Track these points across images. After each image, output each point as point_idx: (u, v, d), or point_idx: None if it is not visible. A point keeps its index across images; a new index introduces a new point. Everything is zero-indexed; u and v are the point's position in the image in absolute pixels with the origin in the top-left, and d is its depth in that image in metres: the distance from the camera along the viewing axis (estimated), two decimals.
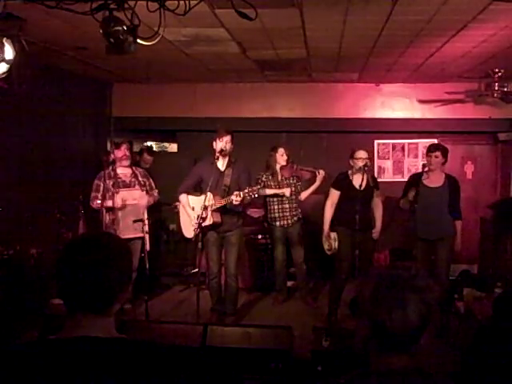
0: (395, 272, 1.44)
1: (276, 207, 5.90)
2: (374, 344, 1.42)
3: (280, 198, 5.88)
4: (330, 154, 7.14)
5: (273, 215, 5.94)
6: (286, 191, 5.83)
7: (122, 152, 5.42)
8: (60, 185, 6.13)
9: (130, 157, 5.54)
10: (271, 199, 5.92)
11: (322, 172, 5.82)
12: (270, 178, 5.91)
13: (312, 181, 5.97)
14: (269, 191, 5.84)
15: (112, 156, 5.50)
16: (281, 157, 5.89)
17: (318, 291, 6.45)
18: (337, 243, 5.36)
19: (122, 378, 1.32)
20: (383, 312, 1.36)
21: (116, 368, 1.33)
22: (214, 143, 5.06)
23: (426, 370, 1.39)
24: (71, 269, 1.40)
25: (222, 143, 5.00)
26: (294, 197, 5.92)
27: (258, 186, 5.04)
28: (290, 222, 5.90)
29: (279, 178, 5.93)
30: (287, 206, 5.88)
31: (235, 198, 4.77)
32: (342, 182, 5.36)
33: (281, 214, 5.90)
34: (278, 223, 5.91)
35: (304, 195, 5.98)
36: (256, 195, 4.87)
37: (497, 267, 6.25)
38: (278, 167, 5.95)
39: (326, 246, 5.49)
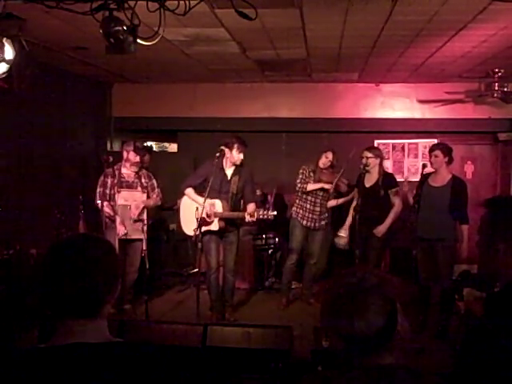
0: (344, 281, 1.41)
1: (308, 206, 5.80)
2: (350, 352, 1.41)
3: (314, 200, 5.78)
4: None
5: (302, 213, 5.82)
6: (331, 187, 5.64)
7: (137, 158, 5.43)
8: (60, 185, 6.13)
9: (139, 164, 5.56)
10: (306, 197, 5.79)
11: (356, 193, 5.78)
12: (312, 174, 5.76)
13: (345, 194, 5.96)
14: (312, 186, 5.69)
15: (125, 155, 5.48)
16: (324, 158, 5.73)
17: (320, 291, 6.44)
18: (345, 240, 5.60)
19: None
20: (345, 323, 1.34)
21: (112, 374, 1.30)
22: (228, 151, 5.04)
23: (412, 368, 1.37)
24: (55, 274, 1.37)
25: (239, 156, 5.05)
26: (325, 202, 5.83)
27: (275, 212, 5.05)
28: (316, 225, 5.82)
29: (317, 177, 5.76)
30: (318, 209, 5.79)
31: (248, 218, 4.95)
32: (358, 179, 5.59)
33: (309, 216, 5.80)
34: (304, 222, 5.80)
35: (331, 203, 5.91)
36: (270, 218, 5.02)
37: (492, 267, 6.25)
38: (321, 167, 5.77)
39: (337, 241, 5.69)
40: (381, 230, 5.44)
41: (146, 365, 1.35)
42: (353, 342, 1.36)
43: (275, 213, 5.04)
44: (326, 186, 5.68)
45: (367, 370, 1.36)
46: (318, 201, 5.80)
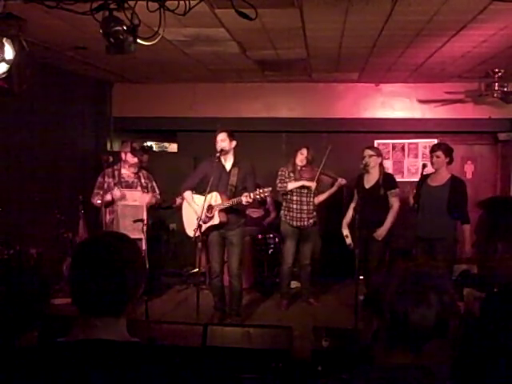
0: (422, 269, 1.45)
1: (294, 207, 5.77)
2: (383, 339, 1.42)
3: (299, 199, 5.77)
4: (330, 153, 7.13)
5: (290, 214, 5.80)
6: (313, 184, 5.65)
7: (135, 159, 5.44)
8: (60, 185, 6.13)
9: (138, 164, 5.56)
10: (291, 198, 5.77)
11: (343, 181, 5.75)
12: (292, 175, 5.74)
13: (330, 186, 5.93)
14: (292, 185, 5.67)
15: (123, 156, 5.49)
16: (300, 155, 5.72)
17: (319, 291, 6.45)
18: (348, 240, 5.57)
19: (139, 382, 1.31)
20: (408, 304, 1.38)
21: (128, 373, 1.31)
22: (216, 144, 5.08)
23: (430, 368, 1.39)
24: (87, 271, 1.37)
25: (218, 143, 5.02)
26: (311, 199, 5.81)
27: (270, 188, 4.95)
28: (306, 223, 5.80)
29: (298, 176, 5.74)
30: (305, 207, 5.77)
31: (245, 199, 4.80)
32: (357, 180, 5.60)
33: (299, 216, 5.77)
34: (294, 223, 5.78)
35: (318, 199, 5.91)
36: (267, 196, 4.89)
37: (491, 267, 6.24)
38: (298, 165, 5.76)
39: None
40: (381, 233, 5.42)
41: (161, 367, 1.36)
42: (403, 328, 1.38)
43: (270, 189, 4.95)
44: (307, 184, 5.66)
45: (383, 370, 1.37)
46: (304, 199, 5.78)
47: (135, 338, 1.43)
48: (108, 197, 5.27)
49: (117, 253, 1.40)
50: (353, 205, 5.63)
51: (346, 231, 5.63)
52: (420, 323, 1.37)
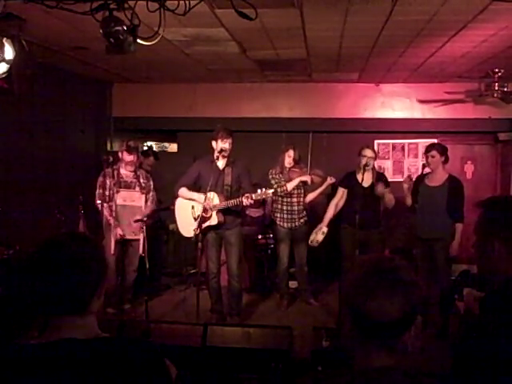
0: (380, 262, 1.40)
1: (285, 208, 5.81)
2: (355, 337, 1.39)
3: (289, 200, 5.80)
4: (330, 153, 7.15)
5: (281, 216, 5.84)
6: (308, 178, 5.69)
7: (131, 157, 5.44)
8: (60, 185, 6.13)
9: (136, 163, 5.56)
10: (281, 200, 5.81)
11: (332, 179, 5.76)
12: (280, 176, 5.77)
13: (320, 185, 5.93)
14: (291, 185, 5.66)
15: (120, 156, 5.51)
16: (288, 158, 5.75)
17: (319, 291, 6.44)
18: (321, 237, 5.57)
19: (103, 380, 1.32)
20: (363, 297, 1.32)
21: (100, 369, 1.32)
22: (214, 143, 5.04)
23: (408, 370, 1.34)
24: (41, 273, 1.39)
25: (225, 145, 4.99)
26: (301, 199, 5.85)
27: (272, 190, 4.94)
28: (297, 224, 5.83)
29: (287, 177, 5.76)
30: (296, 208, 5.80)
31: (246, 201, 4.77)
32: (347, 180, 5.54)
33: (289, 217, 5.81)
34: (286, 225, 5.82)
35: (309, 198, 5.94)
36: (269, 198, 4.89)
37: (488, 267, 6.24)
38: (287, 167, 5.79)
39: (311, 237, 5.67)
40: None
41: (133, 360, 1.37)
42: (363, 322, 1.34)
43: (272, 190, 4.93)
44: (304, 178, 5.68)
45: (362, 373, 1.35)
46: (295, 200, 5.80)
47: (105, 334, 1.44)
48: (106, 212, 5.36)
49: (69, 252, 1.41)
50: (335, 202, 5.63)
51: (325, 228, 5.62)
52: (380, 317, 1.31)
